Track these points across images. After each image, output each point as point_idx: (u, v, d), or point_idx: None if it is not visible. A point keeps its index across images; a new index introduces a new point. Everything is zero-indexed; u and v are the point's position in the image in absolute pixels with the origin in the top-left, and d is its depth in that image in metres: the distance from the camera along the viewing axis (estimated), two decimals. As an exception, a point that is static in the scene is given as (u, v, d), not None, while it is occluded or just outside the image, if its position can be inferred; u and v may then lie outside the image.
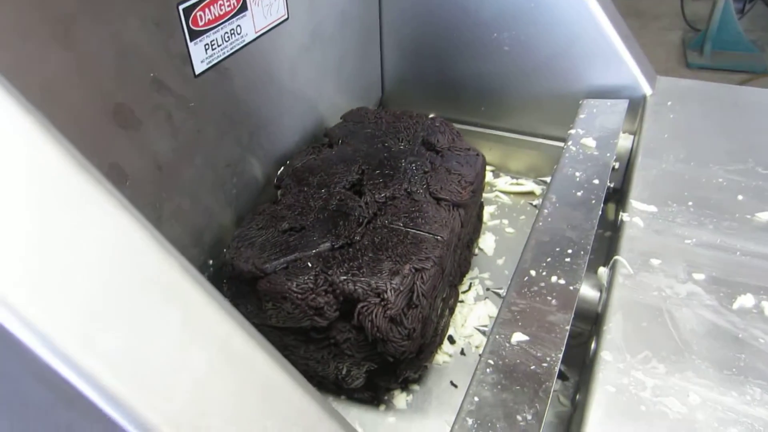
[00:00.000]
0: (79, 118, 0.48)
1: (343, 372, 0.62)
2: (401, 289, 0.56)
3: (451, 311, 0.73)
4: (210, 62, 0.61)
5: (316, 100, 0.86)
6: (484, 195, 0.96)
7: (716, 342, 0.49)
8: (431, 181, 0.70)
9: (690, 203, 0.64)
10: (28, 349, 0.22)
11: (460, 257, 0.74)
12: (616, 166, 0.81)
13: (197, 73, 0.60)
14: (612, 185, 0.83)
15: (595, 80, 0.86)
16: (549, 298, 0.54)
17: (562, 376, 0.68)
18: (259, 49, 0.69)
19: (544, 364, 0.48)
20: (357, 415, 0.66)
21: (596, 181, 0.69)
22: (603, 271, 0.60)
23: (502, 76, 0.93)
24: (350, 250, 0.61)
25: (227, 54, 0.64)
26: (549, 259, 0.58)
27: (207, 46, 0.60)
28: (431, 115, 0.83)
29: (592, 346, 0.53)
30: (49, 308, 0.23)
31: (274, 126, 0.76)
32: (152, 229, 0.28)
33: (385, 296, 0.56)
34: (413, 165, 0.72)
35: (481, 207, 0.84)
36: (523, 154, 0.99)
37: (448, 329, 0.73)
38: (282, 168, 0.76)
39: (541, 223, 0.63)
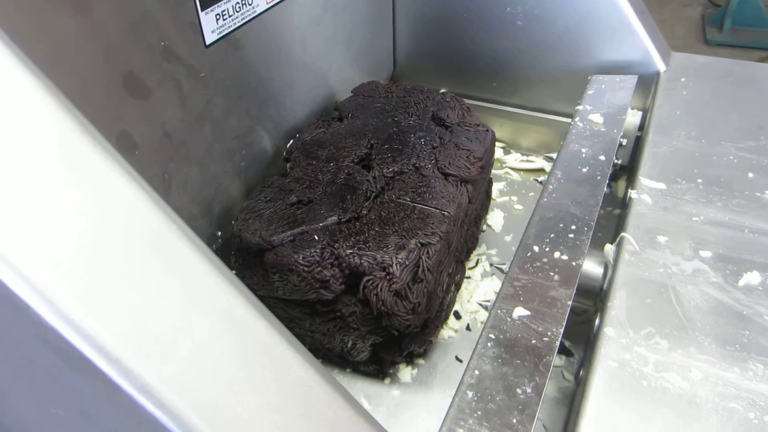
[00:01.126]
0: (89, 85, 0.48)
1: (349, 345, 0.63)
2: (407, 263, 0.57)
3: (458, 287, 0.74)
4: (221, 32, 0.61)
5: (327, 73, 0.85)
6: (494, 171, 0.95)
7: (720, 319, 0.49)
8: (440, 156, 0.70)
9: (699, 180, 0.63)
10: (33, 312, 0.23)
11: (468, 233, 0.74)
12: (624, 143, 0.80)
13: (208, 43, 0.60)
14: (619, 162, 0.83)
15: (609, 56, 0.85)
16: (551, 273, 0.54)
17: (566, 352, 0.68)
18: (271, 20, 0.69)
19: (545, 339, 0.48)
20: (362, 387, 0.66)
21: (602, 158, 0.69)
22: (609, 248, 0.60)
23: (515, 51, 0.92)
24: (357, 224, 0.61)
25: (238, 24, 0.63)
26: (552, 235, 0.59)
27: (218, 16, 0.60)
28: (442, 90, 0.83)
29: (596, 322, 0.53)
30: (53, 272, 0.24)
31: (284, 98, 0.76)
32: (156, 197, 0.28)
33: (391, 270, 0.56)
34: (422, 140, 0.72)
35: (489, 183, 0.83)
36: (534, 131, 0.99)
37: (454, 305, 0.73)
38: (291, 141, 0.76)
39: (545, 199, 0.63)
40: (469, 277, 0.77)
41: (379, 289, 0.56)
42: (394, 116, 0.77)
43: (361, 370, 0.68)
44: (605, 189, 0.65)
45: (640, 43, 0.83)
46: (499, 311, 0.51)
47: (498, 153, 0.99)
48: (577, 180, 0.66)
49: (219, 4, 0.59)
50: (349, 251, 0.58)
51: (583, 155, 0.70)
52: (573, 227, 0.59)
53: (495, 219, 0.86)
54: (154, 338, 0.25)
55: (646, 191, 0.63)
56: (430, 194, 0.64)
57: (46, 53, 0.44)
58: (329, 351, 0.66)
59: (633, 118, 0.83)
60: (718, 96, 0.77)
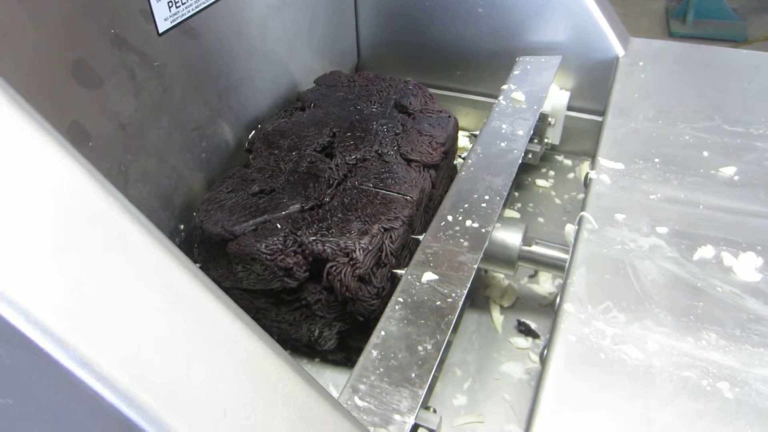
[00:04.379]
0: (35, 73, 0.47)
1: (315, 334, 0.63)
2: (370, 248, 0.57)
3: (424, 272, 0.74)
4: (174, 20, 0.60)
5: (289, 63, 0.85)
6: (460, 159, 0.96)
7: (676, 291, 0.50)
8: (402, 142, 0.70)
9: (657, 160, 0.64)
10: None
11: (432, 218, 0.75)
12: (552, 122, 0.83)
13: (161, 31, 0.59)
14: (549, 141, 0.87)
15: (569, 42, 0.86)
16: (462, 240, 0.58)
17: (532, 333, 0.69)
18: (227, 9, 0.68)
19: (449, 300, 0.51)
20: (331, 376, 0.66)
21: (520, 132, 0.73)
22: (570, 228, 0.61)
23: (477, 39, 0.93)
24: (320, 211, 0.61)
25: (193, 12, 0.63)
26: (466, 205, 0.62)
27: (171, 4, 0.59)
28: (407, 79, 0.83)
29: (558, 300, 0.54)
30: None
31: (244, 88, 0.75)
32: (95, 172, 0.27)
33: (354, 255, 0.56)
34: (384, 127, 0.72)
35: (454, 170, 0.84)
36: (498, 119, 0.99)
37: (420, 290, 0.73)
38: (253, 131, 0.75)
39: (463, 173, 0.67)
40: (435, 264, 0.77)
41: (342, 275, 0.56)
42: (357, 105, 0.77)
43: (329, 359, 0.67)
44: (520, 161, 0.69)
45: (599, 28, 0.84)
46: (409, 277, 0.54)
47: (464, 141, 1.00)
48: (494, 154, 0.70)
49: (171, -9, 0.58)
50: (312, 238, 0.58)
51: (503, 131, 0.74)
52: (486, 197, 0.63)
53: (461, 206, 0.86)
54: (93, 311, 0.24)
55: (605, 171, 0.64)
56: (392, 180, 0.64)
57: (-11, 40, 0.43)
58: (297, 341, 0.66)
59: (561, 99, 0.86)
60: (674, 79, 0.79)
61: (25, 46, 0.45)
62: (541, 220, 0.84)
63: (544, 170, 0.92)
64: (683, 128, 0.69)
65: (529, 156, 0.86)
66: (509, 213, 0.85)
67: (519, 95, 0.79)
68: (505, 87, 0.82)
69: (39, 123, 0.28)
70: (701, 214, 0.57)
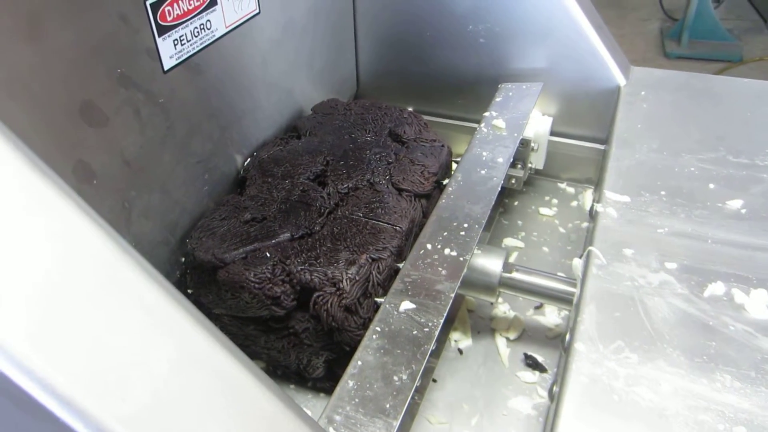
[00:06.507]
0: (44, 114, 0.47)
1: (304, 362, 0.62)
2: (357, 278, 0.57)
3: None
4: (179, 58, 0.60)
5: (290, 95, 0.85)
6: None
7: (687, 330, 0.49)
8: (394, 171, 0.70)
9: (663, 192, 0.64)
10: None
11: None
12: (535, 148, 0.83)
13: (166, 68, 0.59)
14: (533, 166, 0.87)
15: (570, 72, 0.87)
16: (440, 268, 0.58)
17: (539, 367, 0.68)
18: (230, 44, 0.68)
19: (426, 329, 0.51)
20: (322, 405, 0.65)
21: (500, 160, 0.73)
22: (577, 262, 0.60)
23: (478, 68, 0.93)
24: (309, 240, 0.61)
25: (197, 49, 0.63)
26: (445, 233, 0.62)
27: (176, 42, 0.59)
28: (409, 108, 0.83)
29: (567, 337, 0.53)
30: (1, 311, 0.23)
31: (247, 121, 0.75)
32: (110, 230, 0.27)
33: (341, 285, 0.56)
34: (377, 156, 0.72)
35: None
36: (500, 146, 0.99)
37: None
38: (249, 159, 0.75)
39: (444, 201, 0.67)
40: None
41: (329, 305, 0.56)
42: (352, 133, 0.77)
43: (318, 387, 0.67)
44: (499, 188, 0.69)
45: (600, 58, 0.84)
46: (388, 306, 0.54)
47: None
48: (474, 181, 0.69)
49: (177, 29, 0.58)
50: (300, 267, 0.58)
51: (484, 158, 0.74)
52: (465, 225, 0.63)
53: (462, 235, 0.86)
54: (110, 376, 0.23)
55: (611, 204, 0.63)
56: (383, 209, 0.64)
57: (1, 82, 0.43)
58: (286, 368, 0.65)
59: (544, 124, 0.86)
60: (677, 108, 0.79)
61: (35, 88, 0.45)
62: (545, 249, 0.83)
63: (547, 198, 0.92)
64: (688, 159, 0.69)
65: (512, 182, 0.86)
66: (513, 242, 0.84)
67: (500, 122, 0.80)
68: (486, 114, 0.82)
69: (37, 166, 0.28)
70: (710, 248, 0.57)
